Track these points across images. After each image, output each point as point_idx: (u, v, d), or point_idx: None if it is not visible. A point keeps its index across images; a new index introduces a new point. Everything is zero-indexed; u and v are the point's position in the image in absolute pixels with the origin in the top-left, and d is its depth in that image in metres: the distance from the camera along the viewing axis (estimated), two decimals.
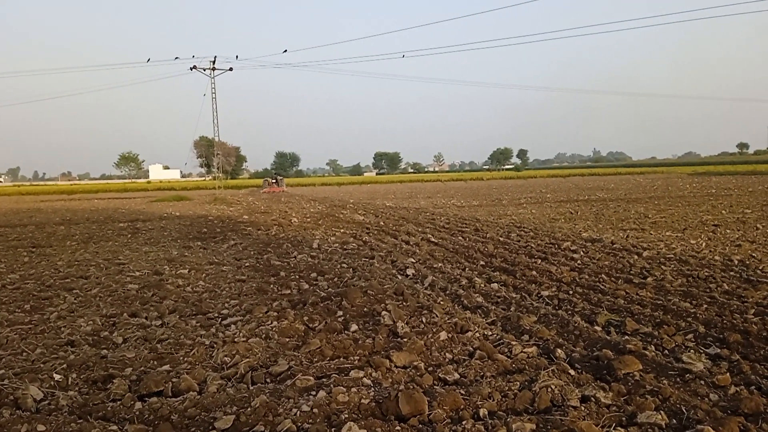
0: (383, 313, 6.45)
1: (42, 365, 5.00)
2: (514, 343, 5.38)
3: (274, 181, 60.58)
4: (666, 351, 5.29)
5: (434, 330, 5.74)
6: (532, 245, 11.92)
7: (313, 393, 4.20)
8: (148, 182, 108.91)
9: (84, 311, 7.19)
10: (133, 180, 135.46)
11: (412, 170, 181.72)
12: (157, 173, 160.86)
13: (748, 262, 9.29)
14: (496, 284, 8.42)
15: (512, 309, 6.91)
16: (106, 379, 4.71)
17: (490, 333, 5.79)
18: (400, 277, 9.25)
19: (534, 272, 9.01)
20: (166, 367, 5.01)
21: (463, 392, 4.15)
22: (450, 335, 5.57)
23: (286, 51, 50.42)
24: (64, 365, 4.97)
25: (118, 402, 4.20)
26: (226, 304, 7.51)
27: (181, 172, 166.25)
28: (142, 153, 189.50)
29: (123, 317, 6.81)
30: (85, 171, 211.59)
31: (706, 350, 5.23)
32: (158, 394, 4.38)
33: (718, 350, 5.18)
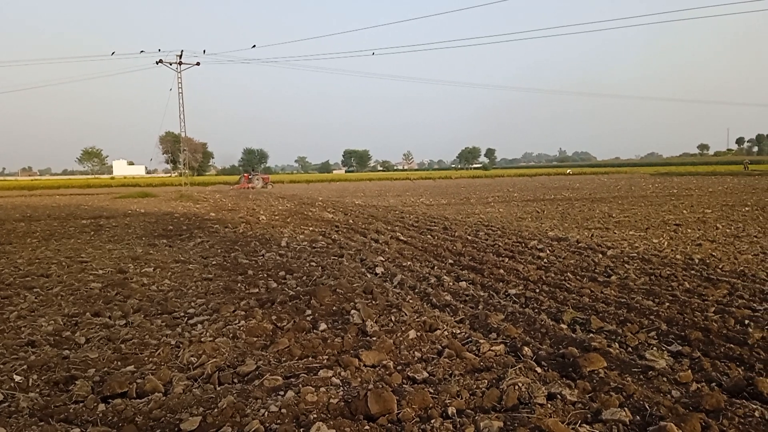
0: (352, 311, 6.44)
1: (1, 366, 4.86)
2: (482, 341, 5.42)
3: (250, 177, 60.25)
4: (630, 348, 5.40)
5: (403, 329, 5.75)
6: (500, 244, 12.04)
7: (282, 393, 4.17)
8: (112, 178, 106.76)
9: (45, 310, 7.00)
10: (96, 176, 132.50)
11: (381, 168, 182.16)
12: (121, 169, 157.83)
13: (708, 261, 9.54)
14: (464, 282, 8.48)
15: (480, 307, 6.97)
16: (68, 380, 4.60)
17: (458, 331, 5.83)
18: (369, 275, 9.25)
19: (502, 271, 9.11)
20: (131, 367, 4.91)
21: (431, 391, 4.16)
22: (419, 334, 5.59)
23: (254, 46, 50.34)
24: (25, 366, 4.83)
25: (81, 404, 4.10)
26: (193, 303, 7.40)
27: (146, 168, 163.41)
28: (105, 148, 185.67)
29: (86, 317, 6.65)
30: (47, 166, 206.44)
31: (669, 348, 5.35)
32: (122, 395, 4.29)
33: (680, 347, 5.31)
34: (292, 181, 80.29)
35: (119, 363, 5.03)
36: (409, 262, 10.27)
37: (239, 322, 6.27)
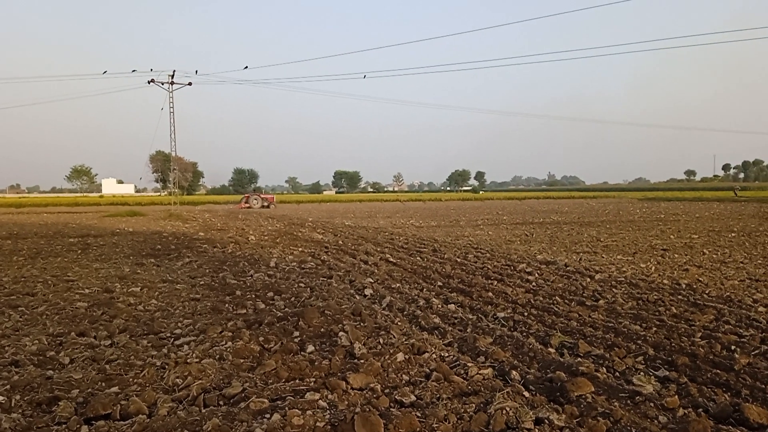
0: (340, 333, 6.41)
1: None
2: (470, 364, 5.41)
3: (248, 196, 58.44)
4: (617, 373, 5.41)
5: (391, 351, 5.72)
6: (489, 267, 12.07)
7: (267, 416, 4.13)
8: (101, 196, 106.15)
9: (29, 330, 6.92)
10: (85, 194, 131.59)
11: (371, 190, 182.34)
12: (110, 187, 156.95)
13: (695, 287, 9.60)
14: (453, 305, 8.48)
15: (469, 330, 6.97)
16: (51, 401, 4.53)
17: (446, 354, 5.81)
18: (358, 297, 9.22)
19: (490, 293, 9.12)
20: (115, 388, 4.85)
21: (419, 414, 4.14)
22: (407, 356, 5.57)
23: (246, 67, 50.34)
24: (8, 386, 4.77)
25: (64, 425, 4.05)
26: (179, 324, 7.34)
27: (135, 186, 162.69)
28: (95, 167, 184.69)
29: (70, 336, 6.57)
30: (35, 184, 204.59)
31: (656, 373, 5.37)
32: (106, 417, 4.23)
33: (667, 373, 5.32)
34: (282, 201, 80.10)
35: (103, 384, 4.97)
36: (398, 284, 10.26)
37: (226, 344, 6.22)
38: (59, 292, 9.34)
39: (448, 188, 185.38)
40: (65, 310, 7.98)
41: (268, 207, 55.68)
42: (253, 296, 9.07)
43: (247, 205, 56.40)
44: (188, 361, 5.55)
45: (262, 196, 60.51)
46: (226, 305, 8.45)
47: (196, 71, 44.16)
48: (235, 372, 5.33)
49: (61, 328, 7.01)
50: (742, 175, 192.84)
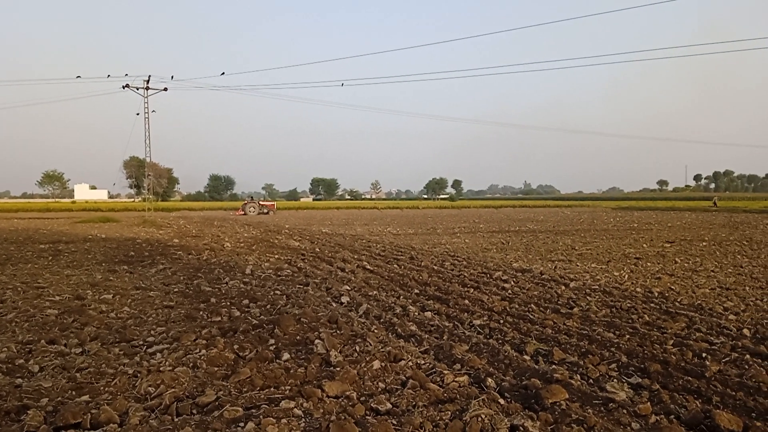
0: (316, 341, 6.38)
1: None
2: (446, 372, 5.41)
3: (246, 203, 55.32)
4: (591, 380, 5.46)
5: (368, 359, 5.70)
6: (465, 274, 12.12)
7: (242, 424, 4.08)
8: (73, 202, 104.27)
9: None
10: (56, 200, 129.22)
11: (349, 197, 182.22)
12: (83, 193, 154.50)
13: (667, 295, 9.75)
14: (429, 312, 8.49)
15: (445, 338, 6.98)
16: (19, 409, 4.42)
17: (423, 362, 5.81)
18: (334, 304, 9.18)
19: (467, 301, 9.15)
20: (86, 397, 4.75)
21: (395, 422, 4.13)
22: (383, 364, 5.56)
23: (223, 74, 50.13)
24: None
25: None
26: (152, 332, 7.23)
27: (108, 192, 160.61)
28: (67, 172, 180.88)
29: (40, 344, 6.43)
30: (5, 189, 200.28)
31: (629, 380, 5.43)
32: (76, 426, 4.14)
33: (640, 380, 5.39)
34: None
35: (74, 392, 4.86)
36: (375, 292, 10.25)
37: (200, 351, 6.14)
38: (29, 299, 9.14)
39: (426, 196, 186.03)
40: (35, 318, 7.81)
41: (266, 214, 52.78)
42: (228, 304, 8.98)
43: (242, 212, 53.25)
44: (161, 369, 5.47)
45: (261, 202, 57.28)
46: (201, 313, 8.35)
47: (172, 77, 43.76)
48: (208, 380, 5.27)
49: (31, 335, 6.85)
50: (713, 185, 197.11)
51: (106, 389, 4.98)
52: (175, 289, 10.46)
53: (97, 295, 9.70)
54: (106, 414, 4.27)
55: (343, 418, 4.15)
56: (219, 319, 7.96)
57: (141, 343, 6.70)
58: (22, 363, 5.72)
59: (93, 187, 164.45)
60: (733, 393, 4.92)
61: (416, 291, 10.35)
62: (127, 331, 7.17)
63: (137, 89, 41.66)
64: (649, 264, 14.18)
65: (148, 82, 41.72)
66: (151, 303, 9.15)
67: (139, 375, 5.31)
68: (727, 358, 5.94)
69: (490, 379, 5.24)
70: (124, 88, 41.56)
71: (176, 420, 4.26)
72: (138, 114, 41.73)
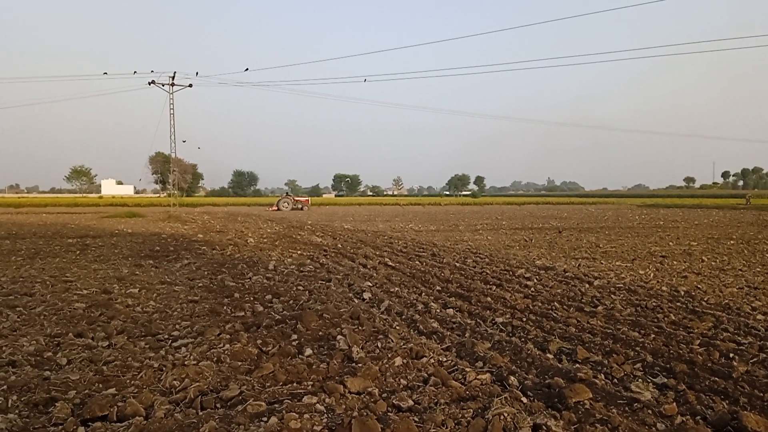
0: (338, 337, 6.40)
1: None
2: (468, 369, 5.40)
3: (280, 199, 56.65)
4: (615, 380, 5.40)
5: (389, 355, 5.71)
6: (488, 271, 12.06)
7: (265, 419, 4.12)
8: (100, 197, 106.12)
9: (27, 330, 6.90)
10: (84, 195, 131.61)
11: (371, 193, 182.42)
12: (109, 188, 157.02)
13: (693, 294, 9.60)
14: (451, 310, 8.47)
15: (467, 335, 6.96)
16: (48, 402, 4.51)
17: (444, 359, 5.80)
18: (356, 300, 9.21)
19: (489, 298, 9.11)
20: (112, 390, 4.84)
21: (416, 419, 4.13)
22: (405, 361, 5.56)
23: (247, 69, 50.36)
24: (5, 386, 4.75)
25: (60, 426, 4.03)
26: (177, 326, 7.33)
27: (134, 188, 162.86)
28: (94, 167, 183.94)
29: (68, 337, 6.55)
30: (34, 184, 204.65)
31: (654, 379, 5.36)
32: (102, 418, 4.22)
33: (665, 380, 5.32)
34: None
35: (100, 385, 4.95)
36: (396, 288, 10.26)
37: (224, 346, 6.21)
38: (57, 293, 9.33)
39: (447, 192, 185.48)
40: (63, 311, 7.97)
41: (301, 209, 53.61)
42: (252, 299, 9.06)
43: (275, 208, 54.47)
44: (185, 363, 5.54)
45: (296, 198, 58.45)
46: (224, 307, 8.44)
47: (197, 73, 44.36)
48: (232, 374, 5.32)
49: (59, 328, 7.00)
50: (741, 183, 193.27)
51: (132, 382, 5.06)
52: (200, 284, 10.58)
53: (124, 289, 9.86)
54: (132, 407, 4.34)
55: (365, 414, 4.16)
56: (242, 314, 8.04)
57: (166, 337, 6.80)
58: (50, 356, 5.84)
59: (119, 183, 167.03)
60: (761, 394, 4.83)
61: (438, 288, 10.33)
62: (152, 325, 7.28)
63: (163, 85, 42.19)
64: (675, 262, 13.96)
65: (173, 78, 42.24)
66: (176, 297, 9.27)
67: (164, 369, 5.39)
68: (755, 359, 5.83)
69: (512, 378, 5.22)
70: (150, 84, 42.14)
71: (200, 414, 4.31)
72: (163, 110, 42.25)
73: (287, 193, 60.94)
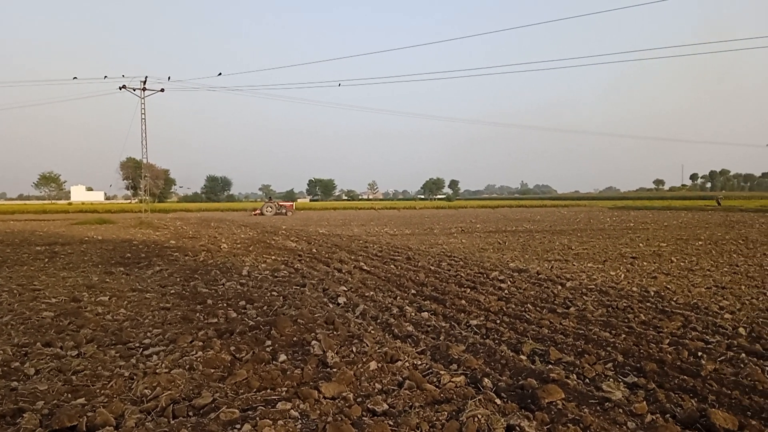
0: (313, 342, 6.37)
1: None
2: (442, 372, 5.42)
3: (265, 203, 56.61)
4: (587, 380, 5.47)
5: (364, 360, 5.71)
6: (462, 274, 12.13)
7: (238, 426, 4.08)
8: (70, 204, 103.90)
9: None
10: (53, 201, 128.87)
11: (346, 197, 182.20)
12: (79, 195, 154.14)
13: (663, 294, 9.77)
14: (426, 313, 8.49)
15: (442, 338, 6.98)
16: (15, 413, 4.41)
17: (419, 362, 5.82)
18: (331, 305, 9.18)
19: (463, 301, 9.16)
20: (81, 400, 4.74)
21: (391, 423, 4.13)
22: (380, 365, 5.56)
23: (220, 74, 50.17)
24: None
25: None
26: (149, 333, 7.22)
27: (105, 194, 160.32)
28: (64, 173, 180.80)
29: (36, 347, 6.41)
30: (1, 191, 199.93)
31: (625, 379, 5.44)
32: (72, 429, 4.13)
33: (636, 379, 5.40)
34: (255, 209, 79.56)
35: (69, 395, 4.86)
36: (371, 292, 10.25)
37: (196, 353, 6.13)
38: (25, 302, 9.12)
39: (423, 196, 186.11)
40: (31, 320, 7.79)
41: (285, 214, 53.23)
42: (225, 305, 8.97)
43: (258, 212, 54.30)
44: (157, 371, 5.46)
45: (280, 203, 58.05)
46: (197, 314, 8.34)
47: (169, 77, 43.81)
48: (205, 382, 5.26)
49: (27, 338, 6.84)
50: (709, 185, 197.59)
51: (102, 392, 4.97)
52: (172, 291, 10.44)
53: (94, 297, 9.68)
54: (102, 417, 4.27)
55: (339, 419, 4.15)
56: (215, 320, 7.95)
57: (137, 345, 6.69)
58: (17, 366, 5.70)
59: (89, 189, 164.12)
60: (729, 392, 4.93)
61: (413, 291, 10.36)
62: (123, 333, 7.16)
63: (134, 90, 41.67)
64: (645, 263, 14.20)
65: (144, 83, 41.77)
66: (148, 305, 9.13)
67: (135, 377, 5.30)
68: (723, 357, 5.96)
69: (486, 380, 5.25)
70: (120, 89, 41.61)
71: (172, 422, 4.25)
72: (134, 115, 41.79)
73: (270, 197, 60.64)
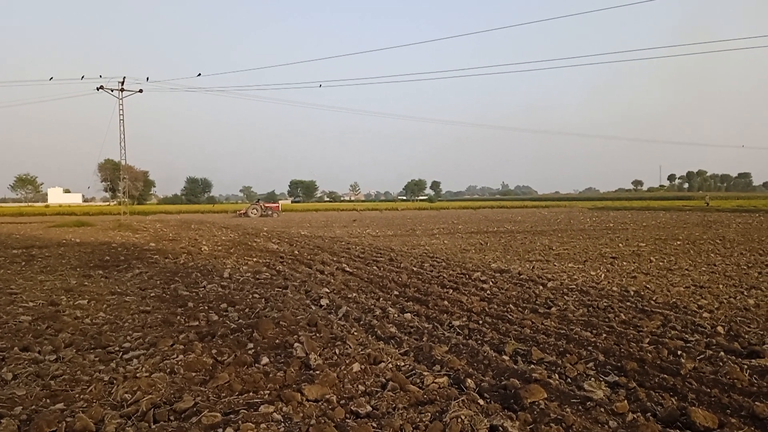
0: (296, 344, 6.34)
1: None
2: (426, 373, 5.43)
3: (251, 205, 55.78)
4: (569, 379, 5.51)
5: (347, 361, 5.69)
6: (445, 275, 12.16)
7: (220, 430, 4.05)
8: (47, 206, 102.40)
9: None
10: (30, 204, 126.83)
11: (328, 199, 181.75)
12: (56, 197, 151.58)
13: (642, 293, 9.89)
14: (409, 314, 8.50)
15: (425, 339, 6.99)
16: None
17: (402, 364, 5.82)
18: (313, 307, 9.15)
19: (446, 302, 9.18)
20: (60, 405, 4.67)
21: (374, 425, 4.13)
22: (363, 367, 5.55)
23: (200, 75, 49.88)
24: None
25: None
26: (129, 337, 7.13)
27: (83, 196, 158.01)
28: (41, 175, 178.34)
29: (13, 351, 6.29)
30: None
31: (606, 378, 5.49)
32: None
33: (617, 378, 5.45)
34: (236, 210, 79.00)
35: (48, 401, 4.77)
36: (354, 294, 10.23)
37: (177, 357, 6.07)
38: (1, 306, 8.96)
39: (404, 197, 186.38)
40: (8, 324, 7.66)
41: (271, 216, 52.20)
42: (206, 308, 8.89)
43: (243, 212, 53.71)
44: (137, 375, 5.39)
45: (265, 204, 57.09)
46: (178, 317, 8.26)
47: (147, 78, 43.37)
48: (186, 386, 5.21)
49: (4, 342, 6.71)
50: (686, 185, 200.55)
51: (82, 396, 4.89)
52: (152, 294, 10.33)
53: (72, 300, 9.54)
54: (82, 422, 4.20)
55: (323, 421, 4.13)
56: (197, 323, 7.88)
57: (117, 349, 6.61)
58: None
59: (67, 191, 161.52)
60: (708, 390, 5.00)
61: (396, 293, 10.36)
62: (102, 337, 7.07)
63: (112, 91, 41.21)
64: (624, 263, 14.36)
65: (122, 83, 41.34)
66: (128, 308, 9.02)
67: (115, 381, 5.23)
68: (702, 356, 6.04)
69: (469, 380, 5.26)
70: (98, 89, 41.12)
71: (153, 427, 4.20)
72: (114, 116, 41.42)
73: (258, 199, 60.21)
